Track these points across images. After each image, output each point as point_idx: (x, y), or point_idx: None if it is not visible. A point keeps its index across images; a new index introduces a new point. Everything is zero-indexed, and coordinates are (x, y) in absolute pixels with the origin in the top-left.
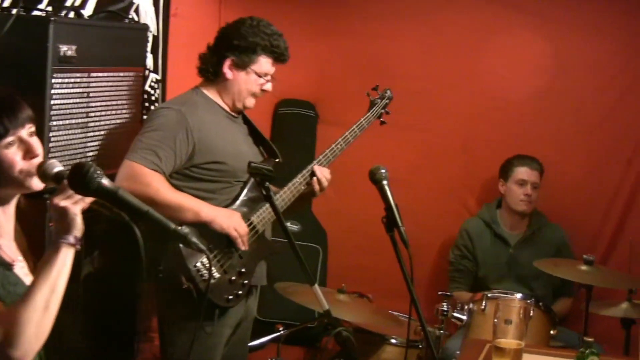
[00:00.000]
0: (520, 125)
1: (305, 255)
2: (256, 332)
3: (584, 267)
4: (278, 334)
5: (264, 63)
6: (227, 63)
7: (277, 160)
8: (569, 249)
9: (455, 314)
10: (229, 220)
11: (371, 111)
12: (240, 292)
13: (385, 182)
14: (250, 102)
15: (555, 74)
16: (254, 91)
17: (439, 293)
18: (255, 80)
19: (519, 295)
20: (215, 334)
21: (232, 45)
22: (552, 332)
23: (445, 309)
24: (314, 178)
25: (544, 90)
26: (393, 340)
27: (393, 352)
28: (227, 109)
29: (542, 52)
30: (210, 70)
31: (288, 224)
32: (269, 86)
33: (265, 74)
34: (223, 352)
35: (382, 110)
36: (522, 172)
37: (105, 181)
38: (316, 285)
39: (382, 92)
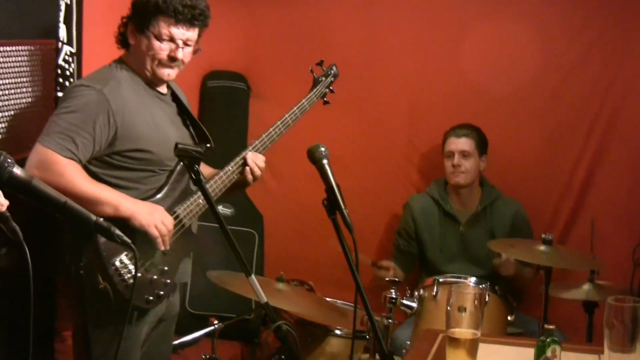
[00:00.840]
0: (471, 98)
1: (240, 241)
2: (188, 326)
3: (542, 248)
4: (212, 328)
5: (163, 25)
6: (130, 28)
7: (208, 145)
8: (527, 224)
9: (405, 302)
10: (150, 217)
11: (314, 90)
12: (162, 292)
13: (325, 161)
14: (163, 72)
15: (508, 47)
16: (159, 58)
17: (387, 279)
18: (158, 46)
19: (472, 280)
20: (132, 336)
21: (133, 7)
22: (509, 318)
23: (394, 296)
24: (247, 167)
25: (496, 62)
26: (337, 332)
27: (338, 345)
28: (149, 83)
29: (492, 25)
30: (120, 38)
31: (220, 207)
32: (180, 53)
33: (170, 38)
34: (142, 350)
35: (327, 90)
36: (449, 143)
37: (17, 170)
38: (253, 277)
39: (327, 68)
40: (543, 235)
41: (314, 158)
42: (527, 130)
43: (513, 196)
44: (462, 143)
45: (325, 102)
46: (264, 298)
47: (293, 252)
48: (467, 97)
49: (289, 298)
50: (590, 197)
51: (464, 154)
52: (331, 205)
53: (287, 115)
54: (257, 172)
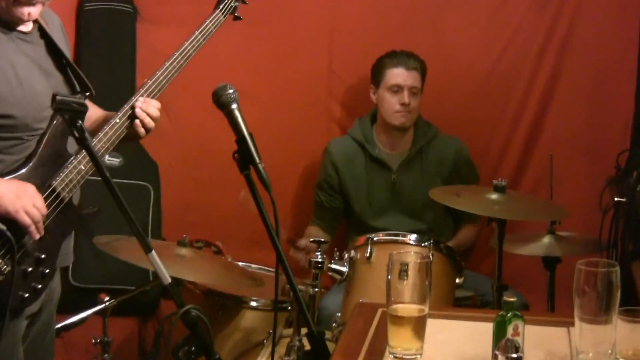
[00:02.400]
0: (403, 20)
1: (132, 196)
2: (73, 303)
3: (493, 196)
4: (103, 305)
5: None
6: None
7: (87, 93)
8: (472, 166)
9: (333, 266)
10: (18, 201)
11: (221, 7)
12: (39, 285)
13: (234, 106)
14: (21, 11)
15: None
16: None
17: (310, 240)
18: None
19: (412, 237)
20: (9, 335)
21: None
22: (457, 280)
23: (320, 260)
24: (136, 120)
25: None
26: (253, 304)
27: (255, 318)
28: (7, 23)
29: None
30: None
31: (106, 157)
32: None
33: None
34: (24, 346)
35: (236, 3)
36: (396, 74)
37: None
38: (153, 253)
39: None
40: (495, 182)
41: (220, 103)
42: (466, 55)
43: (453, 133)
44: (413, 77)
45: (237, 18)
46: (168, 278)
47: (195, 207)
48: (399, 19)
49: (194, 265)
50: (545, 130)
51: (414, 91)
52: (243, 159)
53: (187, 44)
54: (150, 123)
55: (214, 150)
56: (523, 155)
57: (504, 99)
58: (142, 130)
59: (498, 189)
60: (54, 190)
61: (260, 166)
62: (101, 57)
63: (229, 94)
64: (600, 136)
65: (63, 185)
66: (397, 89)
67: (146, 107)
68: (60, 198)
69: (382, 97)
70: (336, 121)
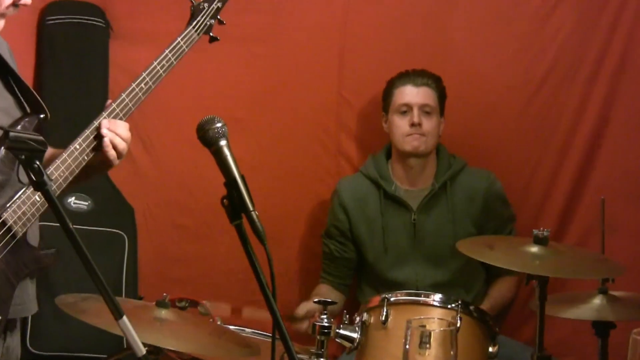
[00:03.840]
0: (422, 39)
1: (104, 246)
2: None
3: (534, 249)
4: None
5: None
6: None
7: (42, 116)
8: (505, 202)
9: (342, 331)
10: None
11: (193, 23)
12: None
13: (223, 143)
14: None
15: None
16: None
17: (314, 300)
18: None
19: (436, 298)
20: None
21: None
22: (490, 349)
23: (326, 323)
24: (104, 140)
25: None
26: None
27: None
28: None
29: None
30: None
31: (72, 200)
32: None
33: None
34: None
35: (211, 21)
36: (402, 93)
37: None
38: (125, 320)
39: None
40: (535, 232)
41: (206, 139)
42: (501, 80)
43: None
44: (422, 94)
45: (213, 39)
46: (142, 349)
47: (178, 259)
48: (419, 36)
49: (176, 330)
50: (595, 170)
51: (425, 110)
52: (234, 206)
53: (155, 63)
54: (121, 144)
55: (200, 192)
56: (569, 200)
57: (546, 132)
58: (112, 153)
59: (539, 241)
60: (4, 223)
61: (253, 214)
62: (68, 78)
63: (217, 128)
64: None
65: (15, 217)
66: (405, 109)
67: (114, 126)
68: (12, 233)
69: (392, 122)
70: (347, 158)
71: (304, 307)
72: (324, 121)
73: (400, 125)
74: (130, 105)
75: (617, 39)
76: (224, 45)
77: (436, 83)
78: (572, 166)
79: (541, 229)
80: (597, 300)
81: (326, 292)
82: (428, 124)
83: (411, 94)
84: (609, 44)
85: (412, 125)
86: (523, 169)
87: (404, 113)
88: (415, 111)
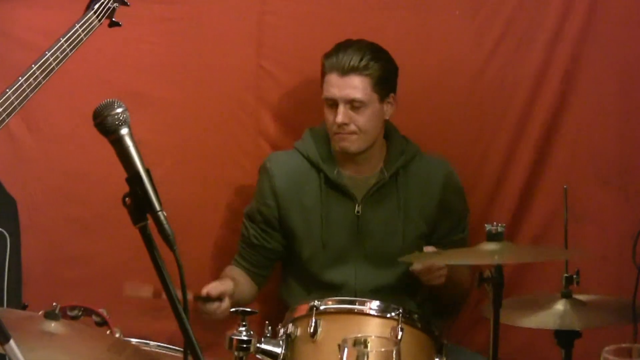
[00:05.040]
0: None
1: None
2: None
3: (488, 247)
4: None
5: None
6: None
7: None
8: (462, 197)
9: (263, 346)
10: None
11: (95, 8)
12: None
13: (124, 132)
14: None
15: None
16: None
17: (232, 310)
18: None
19: (374, 306)
20: None
21: None
22: None
23: (245, 337)
24: None
25: None
26: None
27: None
28: None
29: None
30: None
31: None
32: None
33: None
34: None
35: (115, 4)
36: (329, 83)
37: None
38: (12, 344)
39: None
40: (488, 227)
41: (105, 127)
42: (446, 47)
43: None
44: (349, 87)
45: (114, 24)
46: None
47: (70, 259)
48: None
49: (68, 346)
50: (557, 152)
51: (354, 104)
52: (138, 205)
53: (48, 54)
54: None
55: (96, 179)
56: (526, 188)
57: (500, 107)
58: None
59: (493, 236)
60: None
61: (161, 215)
62: None
63: (117, 114)
64: (636, 161)
65: None
66: (331, 103)
67: None
68: None
69: (324, 113)
70: (268, 138)
71: (217, 287)
72: (241, 95)
73: (329, 119)
74: (15, 103)
75: None
76: (123, 7)
77: (372, 63)
78: (529, 147)
79: (494, 223)
80: (560, 306)
81: (239, 274)
82: (360, 120)
83: (336, 85)
84: (572, 2)
85: (338, 125)
86: (473, 150)
87: (330, 107)
88: (341, 108)
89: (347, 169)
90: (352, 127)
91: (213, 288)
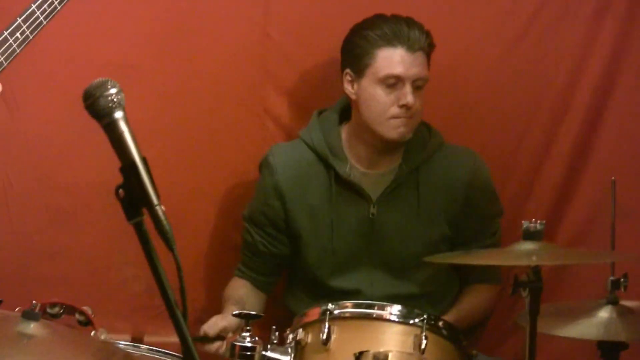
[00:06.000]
0: None
1: None
2: None
3: (525, 247)
4: None
5: None
6: None
7: None
8: (492, 196)
9: (270, 354)
10: None
11: None
12: None
13: (119, 115)
14: None
15: None
16: None
17: (234, 313)
18: None
19: (394, 310)
20: None
21: None
22: None
23: (249, 344)
24: None
25: None
26: None
27: None
28: None
29: None
30: None
31: None
32: None
33: None
34: None
35: None
36: (395, 59)
37: None
38: None
39: None
40: (525, 224)
41: (96, 110)
42: (475, 21)
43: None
44: (419, 64)
45: None
46: None
47: (51, 251)
48: None
49: (48, 350)
50: (601, 143)
51: (417, 84)
52: (132, 198)
53: (34, 6)
54: None
55: (81, 165)
56: (565, 182)
57: (536, 91)
58: None
59: (530, 235)
60: None
61: (159, 210)
62: None
63: (110, 95)
64: None
65: None
66: (394, 82)
67: None
68: None
69: (368, 93)
70: (277, 120)
71: (217, 324)
72: (245, 70)
73: (385, 102)
74: (1, 59)
75: None
76: None
77: (430, 42)
78: (570, 134)
79: (533, 220)
80: (605, 313)
81: (245, 291)
82: (419, 102)
83: (405, 63)
84: None
85: (404, 106)
86: (506, 138)
87: (391, 86)
88: (408, 87)
89: (360, 164)
90: (414, 110)
91: (212, 326)
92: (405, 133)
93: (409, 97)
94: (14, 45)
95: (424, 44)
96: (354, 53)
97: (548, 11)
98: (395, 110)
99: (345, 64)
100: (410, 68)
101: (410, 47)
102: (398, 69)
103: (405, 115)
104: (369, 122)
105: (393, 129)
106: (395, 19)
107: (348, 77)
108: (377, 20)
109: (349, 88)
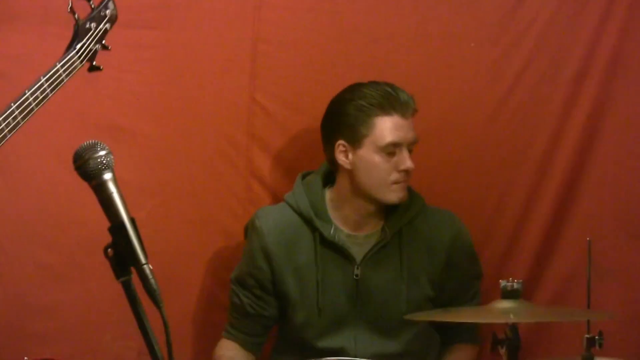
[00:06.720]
0: (354, 21)
1: None
2: None
3: (503, 305)
4: None
5: None
6: None
7: None
8: (473, 259)
9: None
10: None
11: (77, 48)
12: None
13: (108, 177)
14: None
15: None
16: None
17: None
18: None
19: None
20: None
21: None
22: None
23: None
24: None
25: None
26: None
27: None
28: None
29: None
30: None
31: None
32: None
33: None
34: None
35: (97, 46)
36: (391, 127)
37: None
38: None
39: (100, 4)
40: (503, 283)
41: (86, 171)
42: (462, 81)
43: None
44: (412, 128)
45: (94, 68)
46: None
47: (42, 309)
48: (351, 24)
49: None
50: (580, 201)
51: (410, 148)
52: (121, 258)
53: (28, 94)
54: None
55: (70, 223)
56: (544, 242)
57: (519, 149)
58: None
59: (508, 294)
60: None
61: (146, 269)
62: None
63: (100, 157)
64: None
65: None
66: (393, 149)
67: None
68: None
69: (367, 162)
70: (261, 180)
71: None
72: (231, 132)
73: (386, 169)
74: (5, 131)
75: (610, 29)
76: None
77: (415, 104)
78: (550, 195)
79: (510, 279)
80: None
81: (234, 353)
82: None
83: (403, 129)
84: (600, 36)
85: (402, 171)
86: (487, 198)
87: (390, 154)
88: (405, 152)
89: (345, 226)
90: (410, 172)
91: None
92: (404, 196)
93: (408, 162)
94: (5, 131)
95: (414, 108)
96: (348, 124)
97: (530, 74)
98: (395, 175)
99: (336, 136)
100: (407, 133)
101: (404, 113)
102: (397, 137)
103: (404, 179)
104: (368, 189)
105: (394, 193)
106: (380, 86)
107: (341, 148)
108: (364, 90)
109: (342, 158)
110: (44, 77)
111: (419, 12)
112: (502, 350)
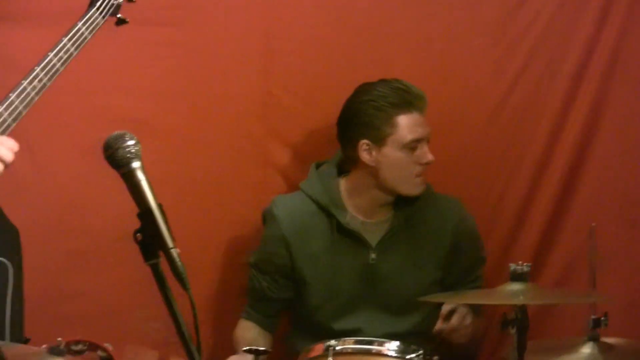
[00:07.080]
0: (365, 18)
1: None
2: None
3: (512, 287)
4: None
5: None
6: None
7: None
8: (477, 244)
9: None
10: None
11: (97, 4)
12: None
13: (136, 165)
14: None
15: None
16: None
17: (244, 349)
18: None
19: (393, 347)
20: None
21: None
22: None
23: None
24: None
25: None
26: None
27: None
28: None
29: None
30: None
31: None
32: None
33: None
34: None
35: (119, 0)
36: (412, 124)
37: None
38: None
39: None
40: (512, 266)
41: (116, 160)
42: (463, 80)
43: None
44: (427, 122)
45: (121, 21)
46: None
47: (73, 292)
48: (362, 21)
49: None
50: (582, 190)
51: (427, 140)
52: (149, 242)
53: (51, 55)
54: (7, 155)
55: (97, 211)
56: (548, 229)
57: (520, 144)
58: None
59: (517, 276)
60: None
61: (174, 253)
62: None
63: (128, 147)
64: None
65: None
66: (414, 145)
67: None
68: None
69: (392, 159)
70: (278, 169)
71: None
72: (247, 124)
73: (409, 164)
74: (20, 108)
75: (609, 29)
76: (124, 29)
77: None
78: (552, 184)
79: (519, 262)
80: (587, 350)
81: (254, 332)
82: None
83: (422, 125)
84: (599, 36)
85: (424, 164)
86: (491, 188)
87: (412, 149)
88: (425, 146)
89: (360, 213)
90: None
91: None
92: (425, 188)
93: (429, 156)
94: (32, 94)
95: (426, 102)
96: (372, 124)
97: (531, 70)
98: (418, 169)
99: (358, 136)
100: (425, 129)
101: (421, 110)
102: (418, 133)
103: (424, 172)
104: (392, 183)
105: (417, 186)
106: (392, 84)
107: (365, 147)
108: (379, 89)
109: (366, 157)
110: (65, 37)
111: (419, 12)
112: (512, 330)
